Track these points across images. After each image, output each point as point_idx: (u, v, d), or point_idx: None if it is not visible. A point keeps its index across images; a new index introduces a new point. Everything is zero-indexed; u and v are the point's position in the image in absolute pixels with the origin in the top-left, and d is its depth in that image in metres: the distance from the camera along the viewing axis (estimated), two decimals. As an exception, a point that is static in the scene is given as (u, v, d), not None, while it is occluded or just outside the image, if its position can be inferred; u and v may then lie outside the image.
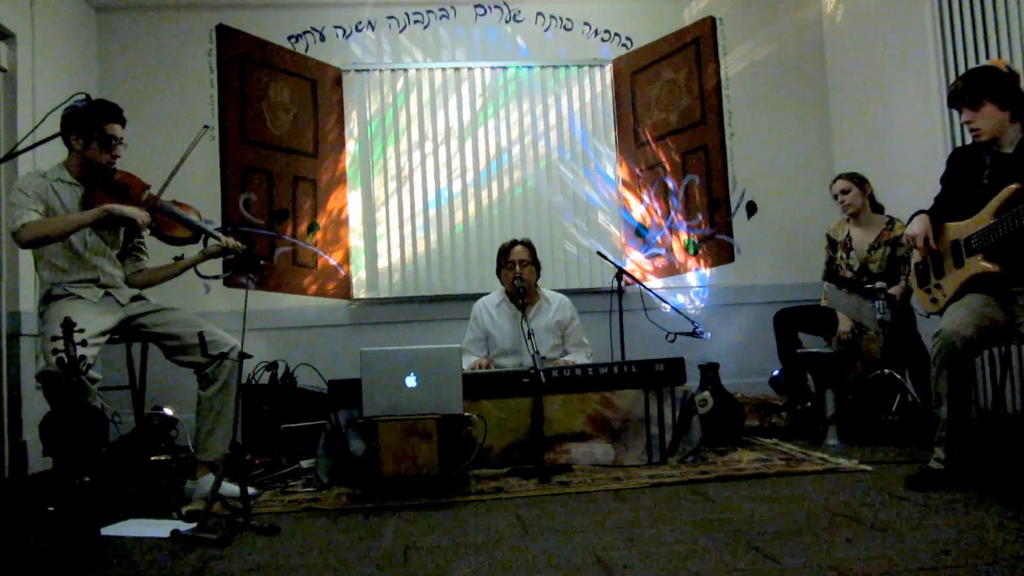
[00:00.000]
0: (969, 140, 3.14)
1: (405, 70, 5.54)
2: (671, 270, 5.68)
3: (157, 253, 3.67)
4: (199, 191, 5.21)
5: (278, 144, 5.44)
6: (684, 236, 5.69)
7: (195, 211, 3.54)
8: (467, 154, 5.55)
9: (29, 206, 3.12)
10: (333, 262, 5.43)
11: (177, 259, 3.58)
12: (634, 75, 5.73)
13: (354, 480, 3.35)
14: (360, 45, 5.57)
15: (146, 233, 3.47)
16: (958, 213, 3.07)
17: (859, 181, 4.41)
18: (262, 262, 3.33)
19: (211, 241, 3.55)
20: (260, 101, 5.43)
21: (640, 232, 5.68)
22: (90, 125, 3.21)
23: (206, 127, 3.50)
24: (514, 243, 4.39)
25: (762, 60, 5.81)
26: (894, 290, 4.15)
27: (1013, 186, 2.84)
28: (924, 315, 3.42)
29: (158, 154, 5.11)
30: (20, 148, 3.33)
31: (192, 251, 3.58)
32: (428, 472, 3.08)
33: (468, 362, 4.26)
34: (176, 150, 5.15)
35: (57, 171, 3.30)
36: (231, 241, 3.48)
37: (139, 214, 3.21)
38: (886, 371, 3.97)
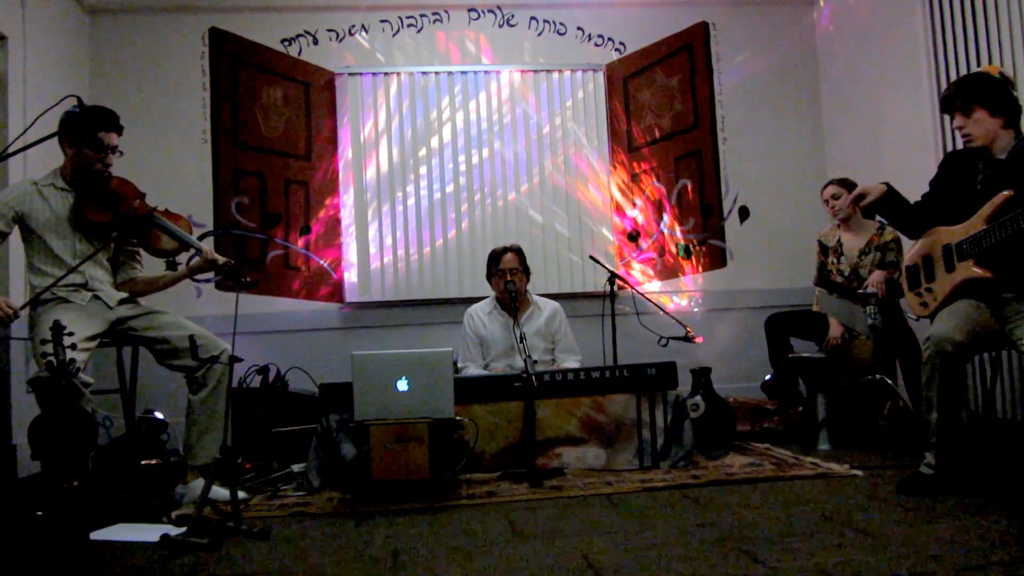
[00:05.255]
0: (961, 146, 3.15)
1: (398, 74, 5.54)
2: (664, 274, 5.68)
3: (152, 265, 3.66)
4: (191, 194, 5.21)
5: (271, 147, 5.43)
6: (677, 241, 5.70)
7: (185, 220, 3.52)
8: (460, 158, 5.55)
9: None
10: (325, 266, 5.42)
11: (170, 269, 3.56)
12: (627, 80, 5.74)
13: (345, 484, 3.35)
14: (353, 49, 5.56)
15: (134, 241, 3.46)
16: (950, 218, 3.08)
17: (849, 187, 4.41)
18: (248, 279, 3.31)
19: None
20: (253, 104, 5.42)
21: (633, 236, 5.68)
22: (82, 131, 3.19)
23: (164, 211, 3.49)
24: (504, 250, 4.38)
25: (755, 65, 5.82)
26: (876, 277, 4.13)
27: (1006, 192, 2.84)
28: (914, 319, 3.43)
29: (149, 157, 5.13)
30: (10, 151, 3.31)
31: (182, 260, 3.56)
32: (419, 476, 3.07)
33: (470, 374, 4.24)
34: (168, 154, 5.23)
35: (51, 176, 3.31)
36: (215, 255, 3.40)
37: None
38: (877, 376, 3.98)
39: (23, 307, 3.09)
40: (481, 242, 5.40)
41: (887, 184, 3.19)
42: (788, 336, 4.55)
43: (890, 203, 3.20)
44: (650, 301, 4.84)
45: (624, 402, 3.70)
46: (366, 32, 5.58)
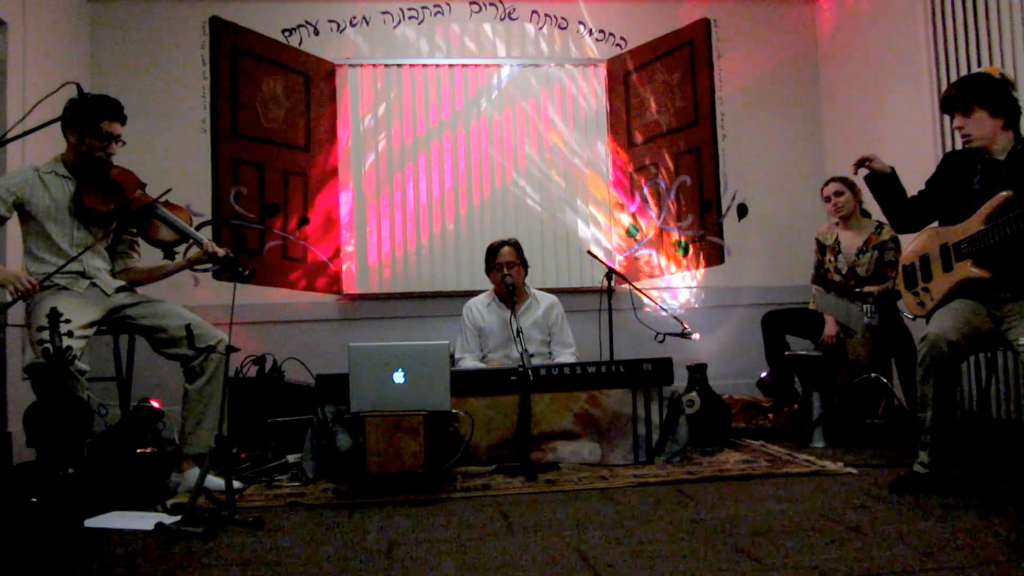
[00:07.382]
0: (960, 146, 3.16)
1: (399, 66, 5.54)
2: (661, 271, 5.69)
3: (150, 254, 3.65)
4: (189, 183, 5.20)
5: (270, 138, 5.42)
6: (675, 237, 5.70)
7: (186, 212, 3.51)
8: (459, 151, 5.55)
9: None
10: (323, 257, 5.42)
11: (168, 259, 3.55)
12: (628, 75, 5.74)
13: (340, 475, 3.35)
14: (354, 40, 5.55)
15: (134, 231, 3.46)
16: (948, 217, 3.09)
17: (851, 185, 4.43)
18: (246, 272, 3.32)
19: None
20: (253, 94, 5.41)
21: (631, 232, 5.68)
22: (85, 120, 3.18)
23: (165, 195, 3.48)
24: (502, 244, 4.40)
25: (756, 63, 5.82)
26: (873, 287, 4.15)
27: (1005, 193, 2.85)
28: (911, 318, 3.44)
29: (148, 146, 5.12)
30: (8, 137, 3.30)
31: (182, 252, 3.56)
32: (414, 468, 3.07)
33: (467, 366, 4.25)
34: (167, 142, 5.23)
35: (52, 164, 3.30)
36: (214, 247, 3.39)
37: (12, 281, 2.97)
38: (873, 375, 3.98)
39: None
40: (479, 235, 5.39)
41: (893, 168, 3.22)
42: (784, 333, 4.55)
43: (890, 184, 3.24)
44: (647, 297, 4.84)
45: (620, 397, 3.70)
46: (367, 23, 5.57)
